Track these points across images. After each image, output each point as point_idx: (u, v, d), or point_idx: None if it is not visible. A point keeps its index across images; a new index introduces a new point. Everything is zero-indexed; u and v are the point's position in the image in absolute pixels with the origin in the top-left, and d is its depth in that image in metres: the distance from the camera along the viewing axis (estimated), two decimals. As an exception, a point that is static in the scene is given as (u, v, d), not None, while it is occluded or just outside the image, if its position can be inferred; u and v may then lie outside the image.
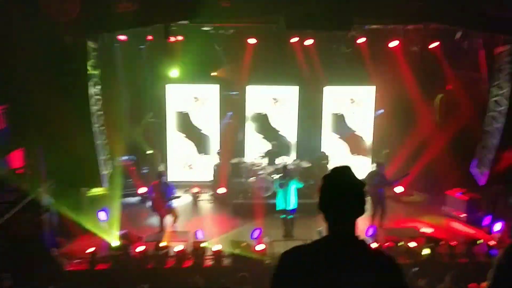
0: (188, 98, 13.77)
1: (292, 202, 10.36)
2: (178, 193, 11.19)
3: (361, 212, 2.27)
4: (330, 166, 13.28)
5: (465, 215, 11.53)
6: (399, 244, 9.60)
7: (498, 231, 10.44)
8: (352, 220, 2.26)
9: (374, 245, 8.79)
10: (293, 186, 10.36)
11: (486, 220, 11.00)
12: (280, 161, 12.82)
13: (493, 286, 2.27)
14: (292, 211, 10.43)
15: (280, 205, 10.44)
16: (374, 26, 10.79)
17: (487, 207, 11.50)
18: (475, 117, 11.08)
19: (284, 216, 10.51)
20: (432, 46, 11.41)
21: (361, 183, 2.27)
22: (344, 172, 2.29)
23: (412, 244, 9.61)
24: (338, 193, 2.23)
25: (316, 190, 2.34)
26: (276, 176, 12.46)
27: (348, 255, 2.19)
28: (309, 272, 2.18)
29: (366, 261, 2.19)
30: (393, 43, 11.62)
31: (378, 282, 2.14)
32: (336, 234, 2.25)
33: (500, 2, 8.55)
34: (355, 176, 2.28)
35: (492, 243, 9.99)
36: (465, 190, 11.77)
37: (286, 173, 10.52)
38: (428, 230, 10.69)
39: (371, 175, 10.95)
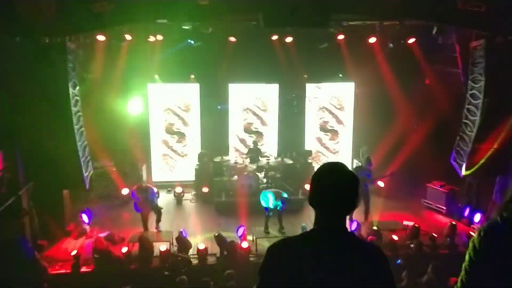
0: (169, 97, 13.74)
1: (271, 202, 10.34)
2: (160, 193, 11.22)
3: (353, 207, 2.26)
4: (313, 163, 13.41)
5: (444, 207, 11.77)
6: (382, 237, 9.78)
7: (478, 222, 10.67)
8: (343, 214, 2.27)
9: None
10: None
11: (466, 211, 11.22)
12: (262, 158, 12.89)
13: (468, 267, 2.33)
14: (284, 203, 10.32)
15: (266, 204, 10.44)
16: (352, 23, 10.89)
17: (466, 199, 11.75)
18: (453, 111, 11.29)
19: (271, 213, 10.55)
20: (409, 42, 11.60)
21: (355, 178, 2.26)
22: (337, 167, 2.28)
23: (395, 237, 9.77)
24: (331, 188, 2.21)
25: (309, 184, 2.33)
26: (261, 175, 12.51)
27: (337, 247, 2.19)
28: (298, 265, 2.17)
29: (355, 253, 2.20)
30: (371, 40, 11.77)
31: (366, 274, 2.15)
32: (326, 227, 2.24)
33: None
34: (349, 171, 2.27)
35: (472, 233, 10.22)
36: (444, 183, 12.00)
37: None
38: (409, 222, 10.86)
39: (356, 170, 11.07)
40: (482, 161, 10.14)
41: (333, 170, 2.27)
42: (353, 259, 2.18)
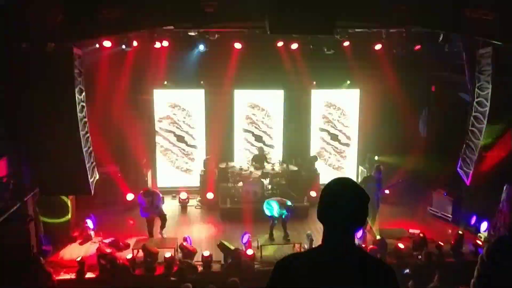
0: (175, 103, 13.77)
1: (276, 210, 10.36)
2: (165, 199, 11.23)
3: (362, 224, 2.23)
4: (318, 169, 13.36)
5: (451, 215, 11.69)
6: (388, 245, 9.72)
7: (484, 230, 10.58)
8: (353, 231, 2.23)
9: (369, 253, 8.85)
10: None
11: (473, 220, 11.13)
12: (267, 165, 12.87)
13: (477, 283, 2.30)
14: (289, 211, 10.33)
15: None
16: (357, 30, 10.87)
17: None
18: (460, 118, 11.23)
19: (276, 222, 10.53)
20: (415, 49, 11.57)
21: (365, 195, 2.22)
22: (347, 183, 2.25)
23: (401, 245, 9.71)
24: (341, 205, 2.17)
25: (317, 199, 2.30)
26: (266, 181, 12.48)
27: (345, 265, 2.16)
28: (305, 282, 2.14)
29: (363, 272, 2.16)
30: (377, 46, 11.74)
31: None
32: (334, 244, 2.21)
33: (479, 5, 8.68)
34: (360, 188, 2.24)
35: (479, 242, 10.14)
36: (451, 190, 11.92)
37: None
38: (415, 230, 10.79)
39: (366, 180, 11.00)
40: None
41: (343, 187, 2.23)
42: (360, 277, 2.14)
